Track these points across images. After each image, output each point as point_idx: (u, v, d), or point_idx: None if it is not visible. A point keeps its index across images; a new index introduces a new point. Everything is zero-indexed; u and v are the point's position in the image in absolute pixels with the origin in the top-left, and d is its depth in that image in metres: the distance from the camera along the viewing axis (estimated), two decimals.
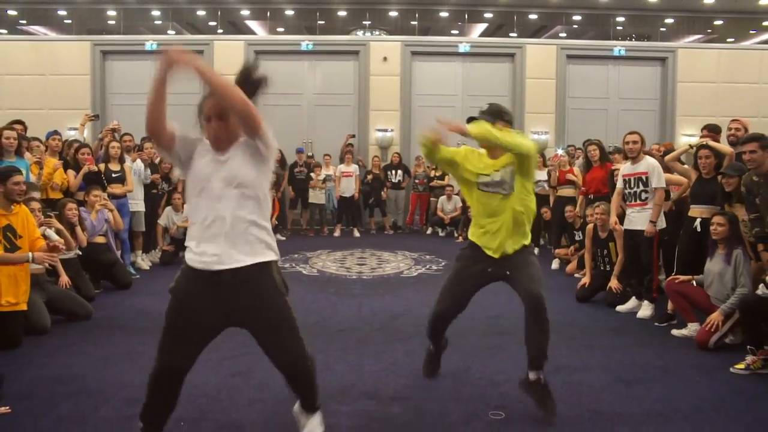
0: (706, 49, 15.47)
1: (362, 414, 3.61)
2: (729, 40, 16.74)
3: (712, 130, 6.79)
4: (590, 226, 7.06)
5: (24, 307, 4.99)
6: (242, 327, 2.90)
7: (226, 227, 2.74)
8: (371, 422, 3.49)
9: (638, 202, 6.03)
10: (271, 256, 2.84)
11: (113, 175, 7.78)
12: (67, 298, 5.77)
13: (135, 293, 6.90)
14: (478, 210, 3.90)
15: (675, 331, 5.39)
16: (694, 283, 5.36)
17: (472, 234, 3.96)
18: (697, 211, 5.73)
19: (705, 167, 5.72)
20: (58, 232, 5.68)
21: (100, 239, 7.06)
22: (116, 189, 7.73)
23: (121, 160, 7.94)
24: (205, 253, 2.75)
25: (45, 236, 5.34)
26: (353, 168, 12.36)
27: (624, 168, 6.28)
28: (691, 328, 5.26)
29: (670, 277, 5.53)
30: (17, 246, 4.98)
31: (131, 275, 7.54)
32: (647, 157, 6.21)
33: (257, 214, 2.81)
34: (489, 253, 3.84)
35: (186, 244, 2.86)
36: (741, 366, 4.41)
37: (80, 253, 6.59)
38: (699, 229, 5.63)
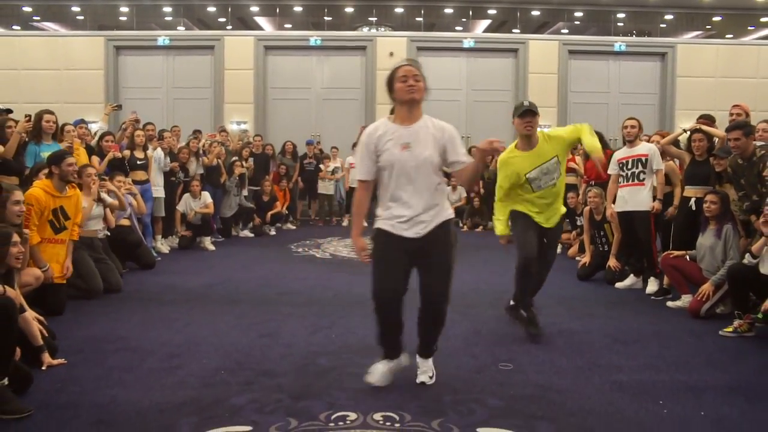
0: (704, 44, 15.81)
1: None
2: (728, 36, 17.07)
3: (707, 119, 7.19)
4: (586, 209, 7.44)
5: (63, 281, 5.36)
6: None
7: None
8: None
9: (635, 182, 6.36)
10: None
11: (138, 162, 8.16)
12: (107, 267, 6.18)
13: (159, 272, 7.28)
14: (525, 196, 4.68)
15: (670, 303, 5.77)
16: (688, 257, 5.72)
17: (521, 207, 4.71)
18: (691, 192, 6.11)
19: (698, 150, 6.10)
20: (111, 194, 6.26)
21: (125, 222, 7.43)
22: (139, 175, 8.11)
23: (145, 148, 8.32)
24: None
25: (101, 199, 5.81)
26: None
27: (619, 153, 6.60)
28: (685, 300, 5.63)
29: (665, 253, 5.90)
30: (64, 227, 5.36)
31: (154, 256, 7.92)
32: (644, 142, 6.58)
33: None
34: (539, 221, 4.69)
35: None
36: (729, 329, 4.78)
37: (108, 234, 6.96)
38: (694, 207, 6.01)
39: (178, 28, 17.99)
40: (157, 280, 6.79)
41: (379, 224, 3.52)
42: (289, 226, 12.01)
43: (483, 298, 6.02)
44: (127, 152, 8.08)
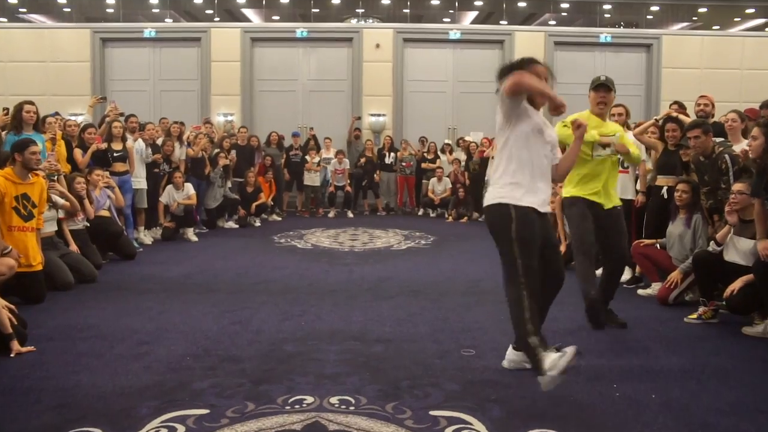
0: (690, 36, 15.87)
1: (348, 351, 4.05)
2: (714, 27, 17.11)
3: (680, 106, 7.27)
4: (557, 198, 7.51)
5: (40, 267, 5.41)
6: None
7: None
8: (356, 357, 3.93)
9: (620, 169, 6.41)
10: None
11: (116, 154, 8.19)
12: (75, 259, 6.22)
13: (140, 263, 7.33)
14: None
15: (640, 291, 5.85)
16: (658, 246, 5.81)
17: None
18: (663, 180, 6.16)
19: (672, 139, 6.12)
20: (63, 196, 6.17)
21: (105, 213, 7.48)
22: (118, 167, 8.15)
23: (124, 140, 8.35)
24: None
25: (51, 201, 5.82)
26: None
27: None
28: (655, 287, 5.71)
29: (636, 241, 5.98)
30: (32, 214, 5.40)
31: (135, 247, 7.96)
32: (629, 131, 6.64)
33: None
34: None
35: None
36: (694, 316, 4.87)
37: (88, 224, 7.01)
38: (666, 196, 6.08)
39: (166, 20, 17.97)
40: (136, 270, 6.85)
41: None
42: (275, 217, 12.05)
43: (456, 286, 6.09)
44: (104, 144, 8.10)
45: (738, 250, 4.78)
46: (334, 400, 3.23)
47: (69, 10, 17.08)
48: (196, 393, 3.31)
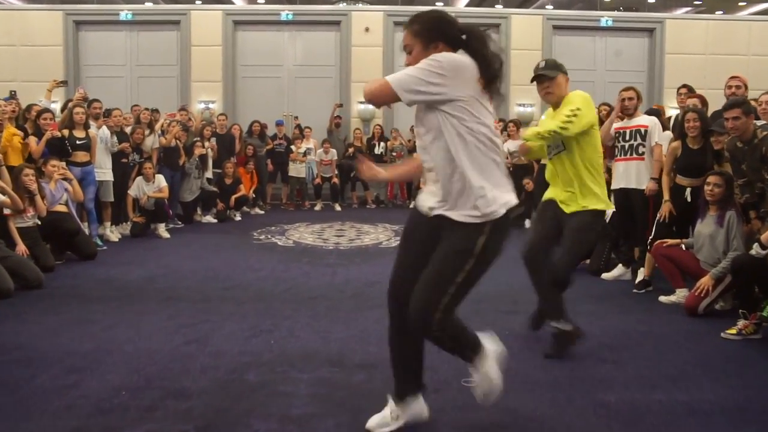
0: (694, 20, 15.20)
1: (324, 382, 3.31)
2: (718, 11, 16.43)
3: (690, 90, 6.56)
4: None
5: None
6: None
7: None
8: (333, 390, 3.20)
9: (634, 156, 5.67)
10: None
11: (78, 142, 7.40)
12: (18, 262, 5.44)
13: (99, 264, 6.57)
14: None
15: (662, 298, 5.12)
16: (683, 247, 5.09)
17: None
18: (686, 181, 5.41)
19: (692, 131, 5.31)
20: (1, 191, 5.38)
21: (62, 208, 6.71)
22: (80, 156, 7.38)
23: (86, 127, 7.57)
24: None
25: None
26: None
27: (616, 123, 5.89)
28: (680, 294, 5.00)
29: (658, 241, 5.23)
30: None
31: (96, 246, 7.20)
32: (644, 115, 5.92)
33: None
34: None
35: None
36: (732, 331, 4.15)
37: (39, 222, 6.25)
38: (689, 199, 5.35)
39: (146, 2, 17.14)
40: (93, 273, 6.08)
41: None
42: (257, 210, 11.30)
43: None
44: (65, 131, 7.32)
45: None
46: None
47: None
48: None
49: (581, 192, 3.79)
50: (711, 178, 4.80)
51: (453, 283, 2.49)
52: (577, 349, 3.81)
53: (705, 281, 4.63)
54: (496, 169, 2.56)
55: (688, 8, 16.63)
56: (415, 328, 2.55)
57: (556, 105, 3.82)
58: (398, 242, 2.79)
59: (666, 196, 5.45)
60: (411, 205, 2.80)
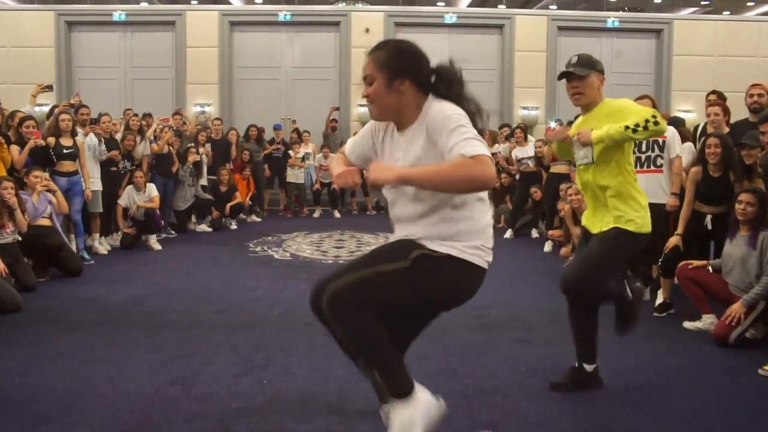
0: (702, 20, 14.85)
1: None
2: (724, 12, 16.07)
3: (720, 96, 6.21)
4: (567, 206, 6.46)
5: None
6: None
7: None
8: None
9: (652, 168, 5.28)
10: None
11: (64, 151, 7.03)
12: None
13: (85, 281, 6.20)
14: None
15: (687, 324, 4.75)
16: (710, 269, 4.72)
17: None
18: (707, 209, 5.04)
19: (713, 157, 4.90)
20: None
21: (45, 221, 6.34)
22: (66, 166, 7.01)
23: (73, 134, 7.19)
24: None
25: None
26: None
27: None
28: (707, 321, 4.63)
29: (683, 262, 4.86)
30: None
31: (83, 260, 6.83)
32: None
33: None
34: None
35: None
36: None
37: (19, 238, 5.87)
38: (710, 227, 5.01)
39: (142, 3, 16.78)
40: (76, 293, 5.71)
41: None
42: (254, 218, 10.95)
43: (460, 316, 4.93)
44: (51, 139, 6.95)
45: None
46: None
47: None
48: None
49: (608, 210, 3.40)
50: (743, 196, 4.43)
51: (371, 267, 2.27)
52: (603, 392, 3.44)
53: (736, 308, 4.26)
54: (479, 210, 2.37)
55: (695, 8, 16.25)
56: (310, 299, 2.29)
57: (585, 108, 3.42)
58: None
59: (680, 228, 5.09)
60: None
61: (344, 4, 15.44)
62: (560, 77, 3.44)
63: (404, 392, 2.29)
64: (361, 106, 13.35)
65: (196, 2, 15.56)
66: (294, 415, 3.13)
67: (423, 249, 2.28)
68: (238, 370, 3.75)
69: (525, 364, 3.87)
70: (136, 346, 4.19)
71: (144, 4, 15.71)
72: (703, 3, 16.15)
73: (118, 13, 13.79)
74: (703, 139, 5.35)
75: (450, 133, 2.17)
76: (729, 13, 16.06)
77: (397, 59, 2.32)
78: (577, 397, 3.40)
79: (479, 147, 2.12)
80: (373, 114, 2.39)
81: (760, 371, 3.77)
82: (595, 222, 3.45)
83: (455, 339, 4.37)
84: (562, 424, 3.08)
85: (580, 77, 3.31)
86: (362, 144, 2.57)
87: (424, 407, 2.30)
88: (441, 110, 2.26)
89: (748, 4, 16.33)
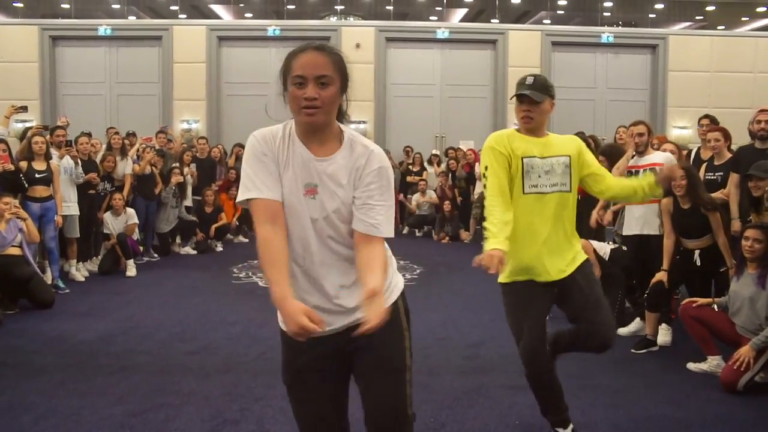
0: (698, 36, 14.68)
1: None
2: (719, 27, 15.90)
3: (713, 121, 5.96)
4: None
5: None
6: None
7: None
8: None
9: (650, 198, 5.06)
10: None
11: (37, 176, 6.72)
12: None
13: (55, 314, 5.88)
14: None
15: (692, 365, 4.46)
16: (715, 307, 4.43)
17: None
18: (690, 243, 4.82)
19: (679, 189, 4.70)
20: None
21: (15, 250, 6.04)
22: (39, 191, 6.70)
23: (47, 158, 6.88)
24: None
25: None
26: None
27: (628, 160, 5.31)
28: (712, 363, 4.34)
29: (687, 300, 4.58)
30: None
31: (57, 289, 6.52)
32: (656, 151, 5.31)
33: None
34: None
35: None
36: None
37: None
38: (699, 263, 4.82)
39: (130, 17, 16.51)
40: (42, 329, 5.37)
41: None
42: (242, 238, 10.65)
43: (449, 356, 4.68)
44: (23, 163, 6.65)
45: None
46: None
47: (21, 5, 15.60)
48: None
49: (566, 244, 3.11)
50: (749, 232, 4.15)
51: (408, 369, 2.12)
52: None
53: (744, 352, 3.97)
54: None
55: (690, 23, 16.09)
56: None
57: (529, 132, 3.08)
58: None
59: (665, 264, 4.85)
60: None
61: (335, 18, 15.19)
62: (513, 98, 3.12)
63: None
64: (350, 122, 13.08)
65: (184, 17, 15.29)
66: None
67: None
68: (207, 427, 3.44)
69: (519, 417, 3.57)
70: (99, 396, 3.87)
71: (131, 18, 15.42)
72: (697, 18, 15.98)
73: (104, 27, 13.52)
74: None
75: (380, 197, 1.96)
76: (723, 28, 15.90)
77: (346, 69, 2.00)
78: None
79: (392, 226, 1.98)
80: (316, 122, 1.93)
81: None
82: (553, 261, 3.07)
83: (443, 385, 4.07)
84: None
85: (535, 102, 3.02)
86: (268, 175, 2.00)
87: None
88: (379, 157, 1.99)
89: (743, 19, 16.16)
